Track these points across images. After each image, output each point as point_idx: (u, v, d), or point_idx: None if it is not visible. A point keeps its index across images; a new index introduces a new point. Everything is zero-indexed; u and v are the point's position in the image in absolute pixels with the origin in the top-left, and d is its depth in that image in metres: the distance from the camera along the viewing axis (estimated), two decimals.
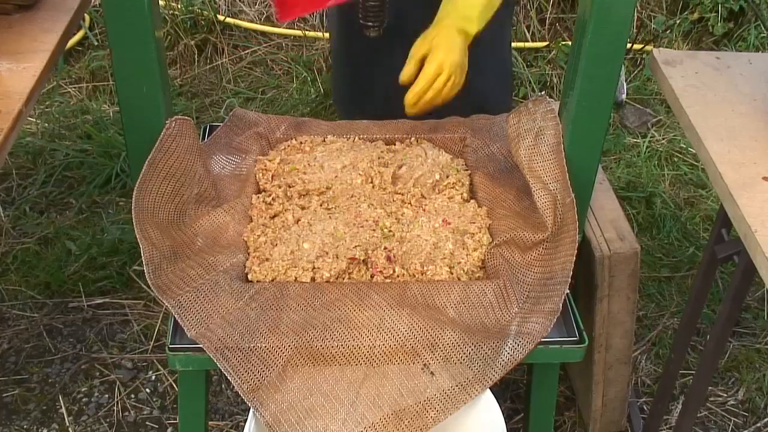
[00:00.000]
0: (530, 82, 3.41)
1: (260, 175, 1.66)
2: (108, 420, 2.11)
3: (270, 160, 1.69)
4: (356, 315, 1.31)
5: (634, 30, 3.60)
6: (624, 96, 3.37)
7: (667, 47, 3.52)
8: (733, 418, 2.18)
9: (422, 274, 1.43)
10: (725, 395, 2.24)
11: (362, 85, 2.01)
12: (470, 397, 1.26)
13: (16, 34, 1.71)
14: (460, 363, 1.28)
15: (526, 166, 1.44)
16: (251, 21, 3.64)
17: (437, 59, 1.54)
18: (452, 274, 1.44)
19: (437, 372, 1.28)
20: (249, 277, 1.42)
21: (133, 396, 2.17)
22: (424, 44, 1.58)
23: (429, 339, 1.29)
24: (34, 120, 3.08)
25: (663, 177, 3.00)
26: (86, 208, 2.74)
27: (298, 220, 1.54)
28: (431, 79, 1.54)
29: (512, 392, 2.17)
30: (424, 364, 1.29)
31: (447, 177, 1.64)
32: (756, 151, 1.44)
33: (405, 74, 1.58)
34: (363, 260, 1.44)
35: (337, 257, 1.44)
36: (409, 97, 1.56)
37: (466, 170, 1.69)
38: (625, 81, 3.43)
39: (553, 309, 1.32)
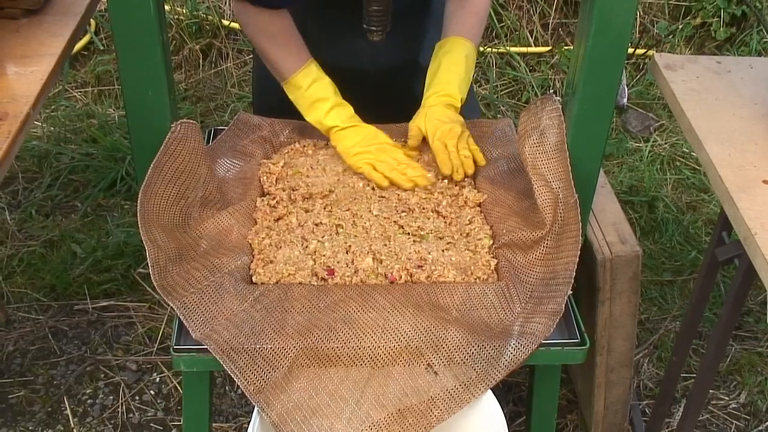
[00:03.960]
0: (533, 87, 3.42)
1: (264, 178, 1.67)
2: (113, 422, 2.12)
3: (274, 164, 1.70)
4: (361, 316, 1.33)
5: (637, 35, 3.62)
6: (625, 100, 3.38)
7: (669, 52, 3.53)
8: (734, 421, 2.19)
9: (428, 277, 1.44)
10: (727, 398, 2.24)
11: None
12: (473, 397, 1.27)
13: (24, 39, 1.73)
14: (464, 363, 1.29)
15: (529, 163, 1.45)
16: None
17: (437, 135, 1.68)
18: (457, 276, 1.45)
19: (441, 372, 1.29)
20: (253, 279, 1.44)
21: (137, 398, 2.19)
22: (417, 122, 1.72)
23: (433, 339, 1.30)
24: (40, 124, 3.10)
25: (665, 181, 3.01)
26: (91, 211, 2.75)
27: (302, 223, 1.55)
28: (443, 149, 1.66)
29: (515, 395, 2.18)
30: (428, 364, 1.30)
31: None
32: (756, 154, 1.45)
33: (411, 143, 1.73)
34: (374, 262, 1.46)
35: (341, 260, 1.45)
36: (443, 172, 1.66)
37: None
38: (627, 86, 3.44)
39: (556, 309, 1.33)
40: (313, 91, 1.68)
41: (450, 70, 1.72)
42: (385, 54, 1.82)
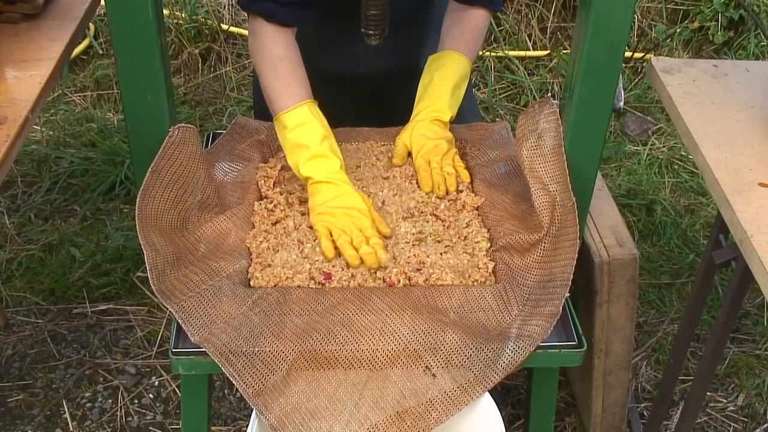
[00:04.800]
0: (531, 91, 3.43)
1: (262, 182, 1.67)
2: (111, 425, 2.12)
3: (271, 168, 1.71)
4: (359, 319, 1.33)
5: (635, 39, 3.62)
6: (622, 103, 3.38)
7: (667, 56, 3.54)
8: (732, 424, 2.19)
9: (426, 280, 1.45)
10: (725, 401, 2.25)
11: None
12: (471, 399, 1.28)
13: (23, 43, 1.74)
14: (462, 365, 1.30)
15: (527, 166, 1.46)
16: None
17: (420, 153, 1.69)
18: (455, 279, 1.46)
19: (439, 374, 1.29)
20: (251, 283, 1.44)
21: (136, 401, 2.19)
22: (404, 137, 1.73)
23: (431, 342, 1.30)
24: (39, 128, 3.10)
25: (663, 184, 3.01)
26: (90, 215, 2.76)
27: (299, 226, 1.56)
28: (426, 168, 1.67)
29: (513, 398, 2.18)
30: (426, 367, 1.30)
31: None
32: (752, 157, 1.46)
33: (396, 160, 1.73)
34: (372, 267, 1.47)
35: (336, 264, 1.46)
36: (423, 189, 1.66)
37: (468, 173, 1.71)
38: (623, 89, 3.45)
39: (553, 312, 1.33)
40: (297, 134, 1.57)
41: (441, 86, 1.72)
42: (385, 58, 1.82)
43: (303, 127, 1.57)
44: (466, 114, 1.81)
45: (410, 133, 1.71)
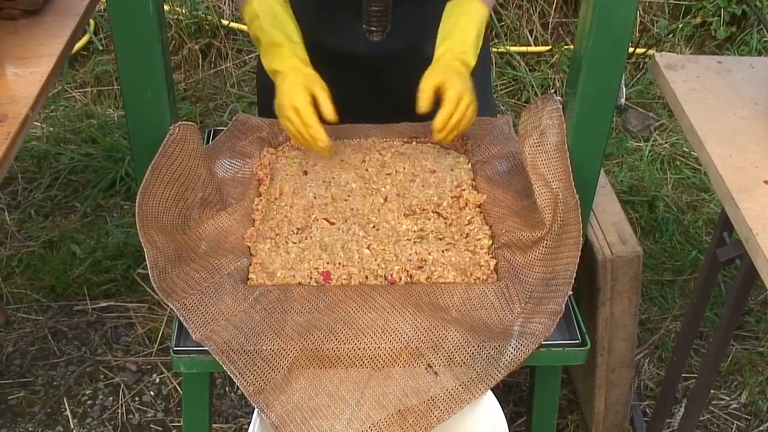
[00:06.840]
0: (533, 86, 3.42)
1: (260, 171, 1.67)
2: (112, 422, 2.12)
3: (271, 154, 1.71)
4: (361, 317, 1.32)
5: (637, 34, 3.61)
6: (623, 100, 3.37)
7: (669, 51, 3.53)
8: (735, 422, 2.18)
9: (428, 278, 1.44)
10: (728, 398, 2.24)
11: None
12: (474, 397, 1.27)
13: (23, 39, 1.73)
14: (464, 363, 1.29)
15: (529, 163, 1.45)
16: None
17: (456, 86, 1.57)
18: (457, 276, 1.45)
19: (441, 372, 1.29)
20: (252, 281, 1.43)
21: (137, 399, 2.18)
22: (433, 77, 1.60)
23: (433, 340, 1.29)
24: (39, 124, 3.10)
25: (666, 181, 3.00)
26: (91, 211, 2.75)
27: (297, 220, 1.55)
28: (455, 103, 1.57)
29: (515, 395, 2.18)
30: (428, 365, 1.29)
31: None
32: (757, 154, 1.45)
33: (423, 105, 1.60)
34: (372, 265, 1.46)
35: (338, 261, 1.45)
36: (437, 122, 1.57)
37: (470, 170, 1.70)
38: (625, 85, 3.44)
39: (556, 309, 1.33)
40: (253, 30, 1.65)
41: (467, 29, 1.64)
42: (385, 41, 1.80)
43: (255, 22, 1.63)
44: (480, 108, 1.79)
45: (441, 72, 1.61)
